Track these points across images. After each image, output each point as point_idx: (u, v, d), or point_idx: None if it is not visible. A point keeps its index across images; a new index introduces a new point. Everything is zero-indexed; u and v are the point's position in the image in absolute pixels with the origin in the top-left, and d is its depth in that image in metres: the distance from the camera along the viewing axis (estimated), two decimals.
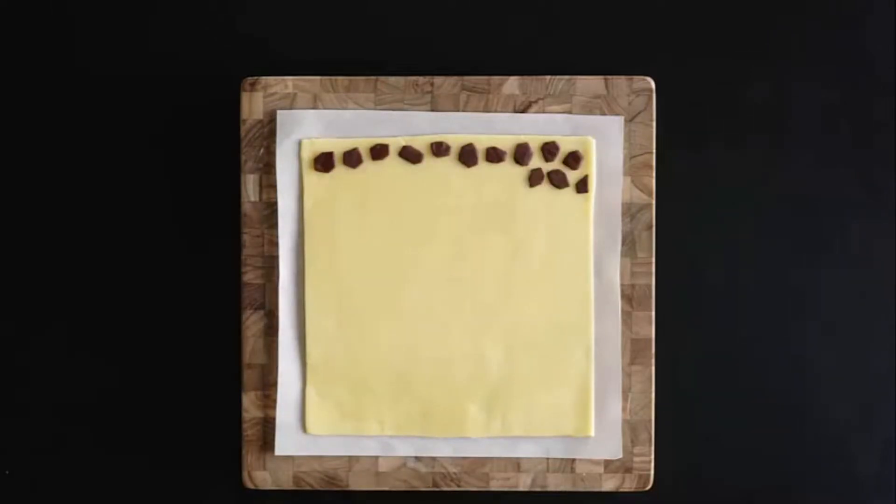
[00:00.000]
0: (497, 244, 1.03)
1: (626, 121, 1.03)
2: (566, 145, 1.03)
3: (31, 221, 1.08)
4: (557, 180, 1.03)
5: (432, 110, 1.03)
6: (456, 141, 1.03)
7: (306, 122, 1.03)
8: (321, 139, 1.03)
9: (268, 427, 1.04)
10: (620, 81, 1.03)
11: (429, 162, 1.03)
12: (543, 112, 1.03)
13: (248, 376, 1.04)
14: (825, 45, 1.07)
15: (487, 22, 1.07)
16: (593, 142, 1.03)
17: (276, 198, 1.03)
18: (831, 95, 1.07)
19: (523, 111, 1.03)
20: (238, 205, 1.04)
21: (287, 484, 1.04)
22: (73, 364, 1.08)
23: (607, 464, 1.04)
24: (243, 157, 1.04)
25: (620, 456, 1.03)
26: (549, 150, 1.03)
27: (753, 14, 1.07)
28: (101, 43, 1.07)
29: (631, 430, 1.04)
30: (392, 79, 1.03)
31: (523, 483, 1.04)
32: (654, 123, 1.03)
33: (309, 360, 1.04)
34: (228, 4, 1.08)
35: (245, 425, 1.04)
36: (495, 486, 1.04)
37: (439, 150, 1.03)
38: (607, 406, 1.03)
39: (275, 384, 1.04)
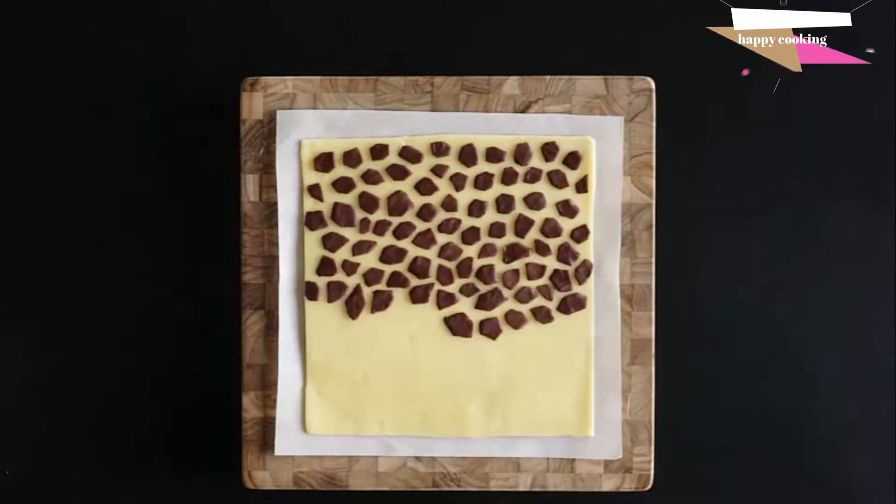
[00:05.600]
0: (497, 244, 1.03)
1: (626, 121, 1.03)
2: (566, 145, 1.03)
3: (30, 221, 1.08)
4: (557, 180, 1.03)
5: (432, 110, 1.03)
6: (456, 141, 1.03)
7: (306, 123, 1.03)
8: (321, 139, 1.03)
9: (268, 427, 1.04)
10: (620, 81, 1.03)
11: (429, 162, 1.03)
12: (543, 112, 1.03)
13: (248, 376, 1.04)
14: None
15: (487, 22, 1.07)
16: (593, 142, 1.03)
17: (276, 198, 1.03)
18: (831, 95, 1.07)
19: (523, 111, 1.03)
20: (238, 205, 1.04)
21: (287, 484, 1.04)
22: (73, 364, 1.08)
23: (607, 464, 1.04)
24: (243, 157, 1.04)
25: (620, 456, 1.03)
26: (548, 150, 1.03)
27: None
28: (101, 43, 1.07)
29: (631, 430, 1.04)
30: (392, 79, 1.03)
31: (523, 483, 1.04)
32: (654, 123, 1.03)
33: (309, 360, 1.04)
34: (229, 4, 1.08)
35: (245, 425, 1.04)
36: (495, 486, 1.04)
37: (439, 150, 1.03)
38: (607, 406, 1.03)
39: (275, 384, 1.04)
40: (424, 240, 1.03)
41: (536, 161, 1.03)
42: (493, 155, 1.03)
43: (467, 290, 1.03)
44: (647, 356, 1.04)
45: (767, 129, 1.07)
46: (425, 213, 1.03)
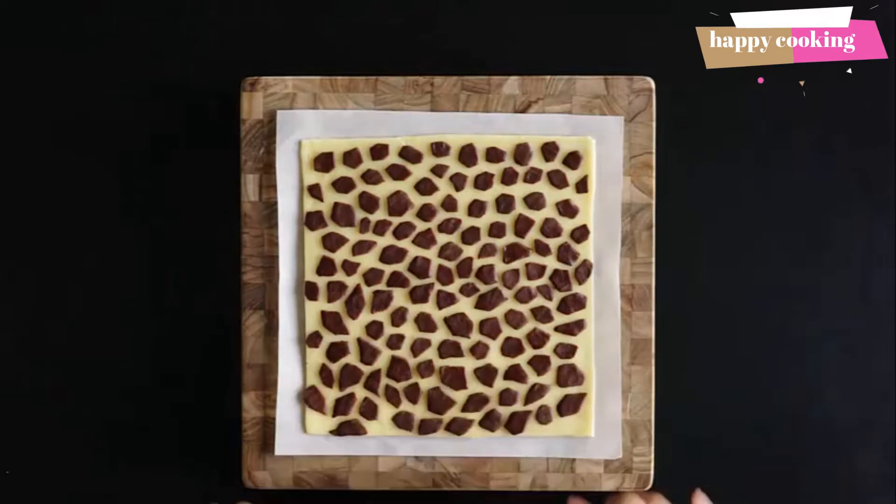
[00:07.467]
0: (496, 244, 1.03)
1: (626, 121, 1.03)
2: (566, 145, 1.03)
3: (29, 221, 1.08)
4: (557, 180, 1.03)
5: (432, 110, 1.03)
6: (456, 141, 1.03)
7: (306, 122, 1.03)
8: (321, 139, 1.03)
9: (268, 427, 1.04)
10: (620, 81, 1.03)
11: (429, 162, 1.03)
12: (543, 112, 1.03)
13: (248, 376, 1.04)
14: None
15: (487, 22, 1.07)
16: (593, 142, 1.03)
17: (276, 198, 1.03)
18: (832, 95, 1.07)
19: (523, 111, 1.03)
20: (238, 205, 1.04)
21: (287, 484, 1.04)
22: (73, 363, 1.08)
23: (607, 464, 1.04)
24: (243, 157, 1.04)
25: (620, 456, 1.03)
26: (548, 150, 1.03)
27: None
28: (101, 43, 1.07)
29: (631, 430, 1.04)
30: (392, 79, 1.03)
31: (523, 483, 1.04)
32: (654, 123, 1.03)
33: (309, 360, 1.04)
34: (229, 4, 1.08)
35: (245, 425, 1.04)
36: (495, 486, 1.04)
37: (439, 150, 1.03)
38: (607, 406, 1.03)
39: (275, 384, 1.04)
40: (424, 240, 1.03)
41: (536, 161, 1.03)
42: (493, 155, 1.03)
43: (467, 290, 1.03)
44: (647, 356, 1.04)
45: (768, 128, 1.07)
46: (425, 213, 1.03)
